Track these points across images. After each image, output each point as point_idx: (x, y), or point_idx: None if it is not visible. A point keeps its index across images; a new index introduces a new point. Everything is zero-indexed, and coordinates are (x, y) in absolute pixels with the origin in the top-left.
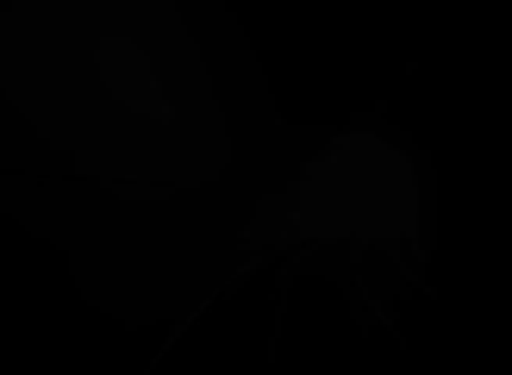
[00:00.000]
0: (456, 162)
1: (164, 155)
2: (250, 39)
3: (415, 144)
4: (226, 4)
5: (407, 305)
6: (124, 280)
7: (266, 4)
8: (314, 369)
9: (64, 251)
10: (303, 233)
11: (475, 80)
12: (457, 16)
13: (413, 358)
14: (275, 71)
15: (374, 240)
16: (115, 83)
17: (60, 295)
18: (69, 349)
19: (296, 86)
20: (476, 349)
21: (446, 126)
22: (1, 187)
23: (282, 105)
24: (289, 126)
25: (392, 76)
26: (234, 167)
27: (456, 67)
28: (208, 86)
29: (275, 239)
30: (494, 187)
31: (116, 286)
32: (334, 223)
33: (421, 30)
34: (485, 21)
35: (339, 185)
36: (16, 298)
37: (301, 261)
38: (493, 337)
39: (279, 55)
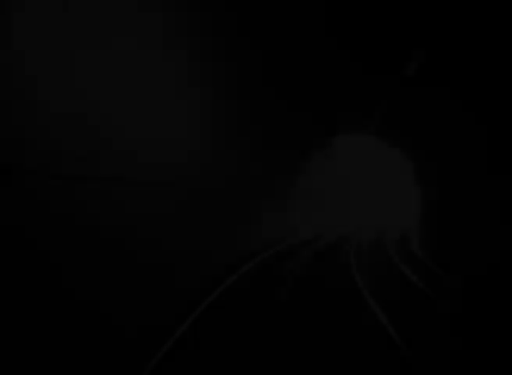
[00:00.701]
0: (454, 162)
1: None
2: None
3: (415, 145)
4: None
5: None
6: None
7: None
8: None
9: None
10: (302, 232)
11: (475, 79)
12: (459, 16)
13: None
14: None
15: (373, 239)
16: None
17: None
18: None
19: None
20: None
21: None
22: None
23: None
24: (290, 127)
25: (391, 78)
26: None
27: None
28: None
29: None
30: (492, 189)
31: None
32: (335, 221)
33: (422, 31)
34: (487, 22)
35: (339, 183)
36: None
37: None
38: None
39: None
